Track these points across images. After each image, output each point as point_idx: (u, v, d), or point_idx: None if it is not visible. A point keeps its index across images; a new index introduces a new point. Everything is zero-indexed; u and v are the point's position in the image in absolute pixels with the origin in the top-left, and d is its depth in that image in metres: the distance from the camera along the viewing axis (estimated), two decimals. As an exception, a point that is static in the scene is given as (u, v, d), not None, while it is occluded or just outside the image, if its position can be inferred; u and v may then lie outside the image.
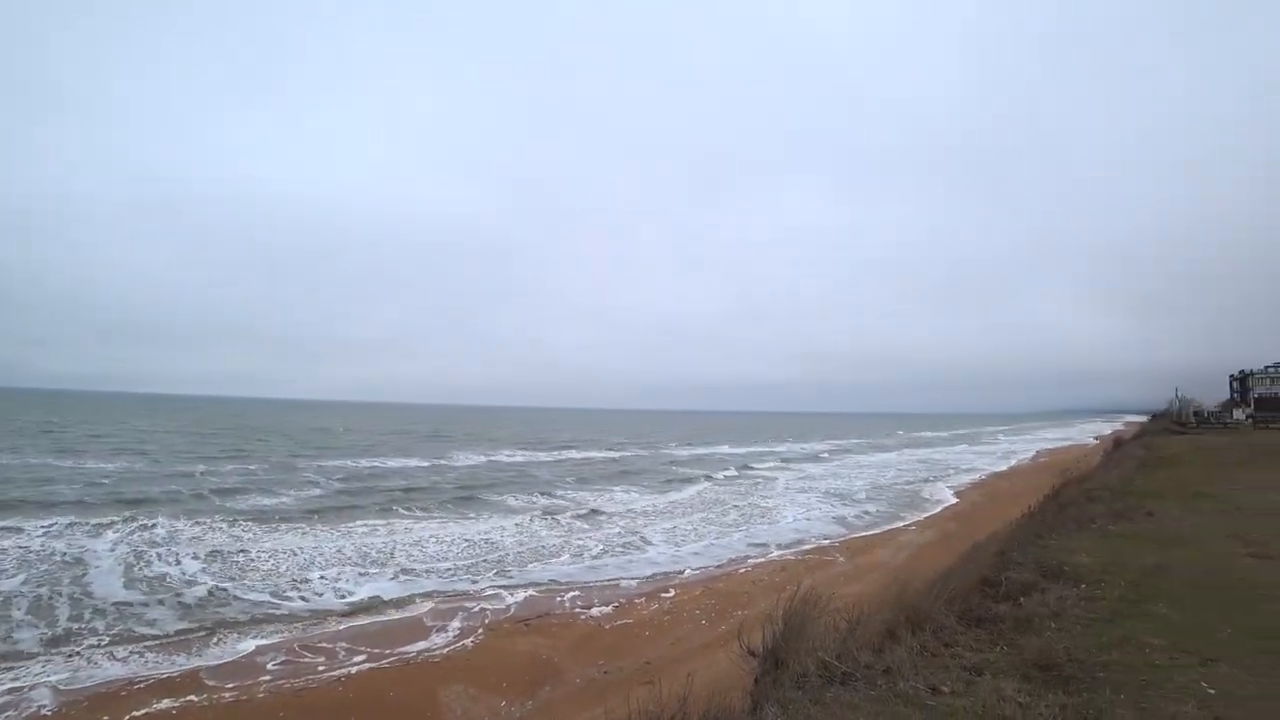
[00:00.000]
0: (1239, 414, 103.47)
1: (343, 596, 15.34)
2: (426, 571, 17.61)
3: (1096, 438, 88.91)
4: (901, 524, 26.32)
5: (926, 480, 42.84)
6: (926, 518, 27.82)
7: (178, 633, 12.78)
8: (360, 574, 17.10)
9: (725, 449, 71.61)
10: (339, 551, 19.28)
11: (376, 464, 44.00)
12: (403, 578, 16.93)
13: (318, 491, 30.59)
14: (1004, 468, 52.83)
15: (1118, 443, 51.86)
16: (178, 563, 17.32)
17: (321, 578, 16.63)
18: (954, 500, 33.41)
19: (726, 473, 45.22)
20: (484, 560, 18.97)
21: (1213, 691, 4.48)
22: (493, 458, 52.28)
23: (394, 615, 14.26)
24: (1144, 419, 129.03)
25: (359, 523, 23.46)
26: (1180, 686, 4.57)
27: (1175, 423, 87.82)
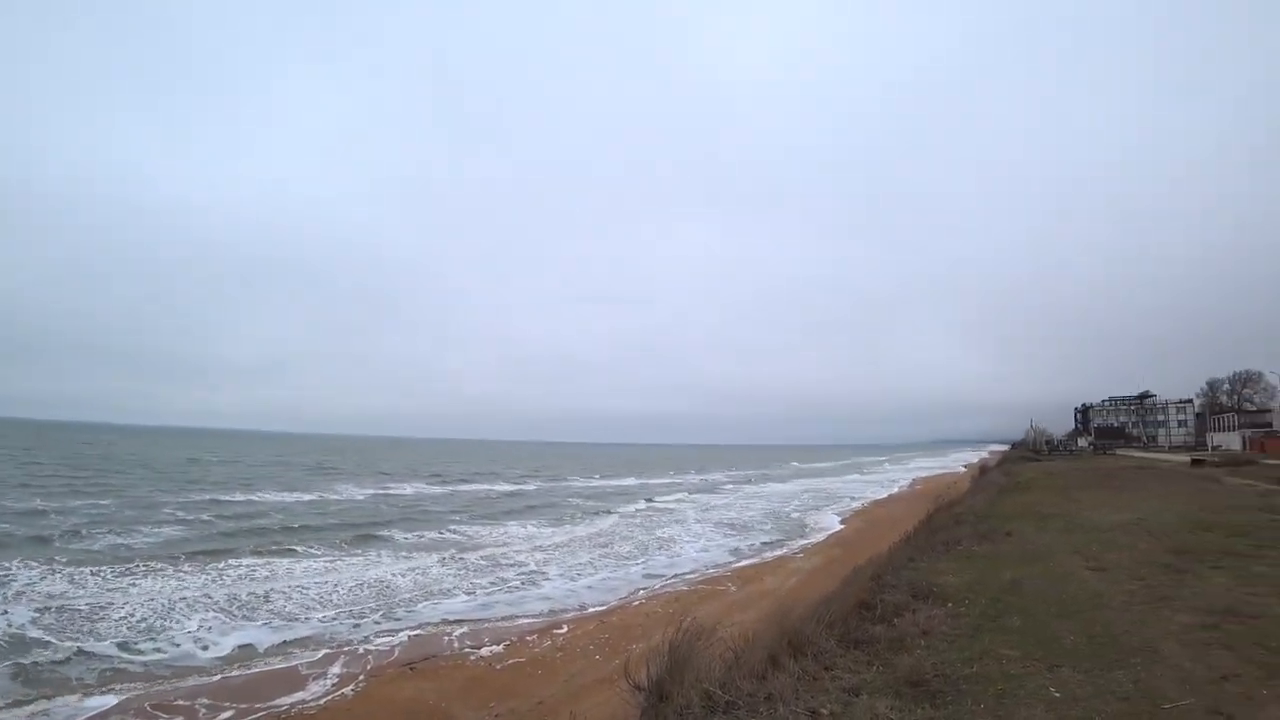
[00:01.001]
0: (1082, 442, 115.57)
1: (206, 647, 13.81)
2: (305, 616, 16.25)
3: (965, 466, 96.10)
4: (791, 551, 27.16)
5: (815, 509, 44.64)
6: (814, 545, 28.88)
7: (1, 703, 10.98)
8: (229, 621, 15.53)
9: (625, 481, 71.65)
10: (206, 596, 17.45)
11: (253, 498, 40.53)
12: (277, 623, 15.53)
13: (183, 530, 27.67)
14: (885, 495, 55.88)
15: (983, 470, 56.38)
16: (3, 614, 15.04)
17: (183, 626, 14.96)
18: (840, 527, 34.94)
19: (626, 505, 45.12)
20: (369, 601, 17.78)
21: (1058, 695, 4.86)
22: (384, 491, 49.54)
23: (266, 665, 13.01)
24: (1006, 448, 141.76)
25: (230, 564, 21.37)
26: (1031, 692, 4.93)
27: (1031, 451, 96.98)
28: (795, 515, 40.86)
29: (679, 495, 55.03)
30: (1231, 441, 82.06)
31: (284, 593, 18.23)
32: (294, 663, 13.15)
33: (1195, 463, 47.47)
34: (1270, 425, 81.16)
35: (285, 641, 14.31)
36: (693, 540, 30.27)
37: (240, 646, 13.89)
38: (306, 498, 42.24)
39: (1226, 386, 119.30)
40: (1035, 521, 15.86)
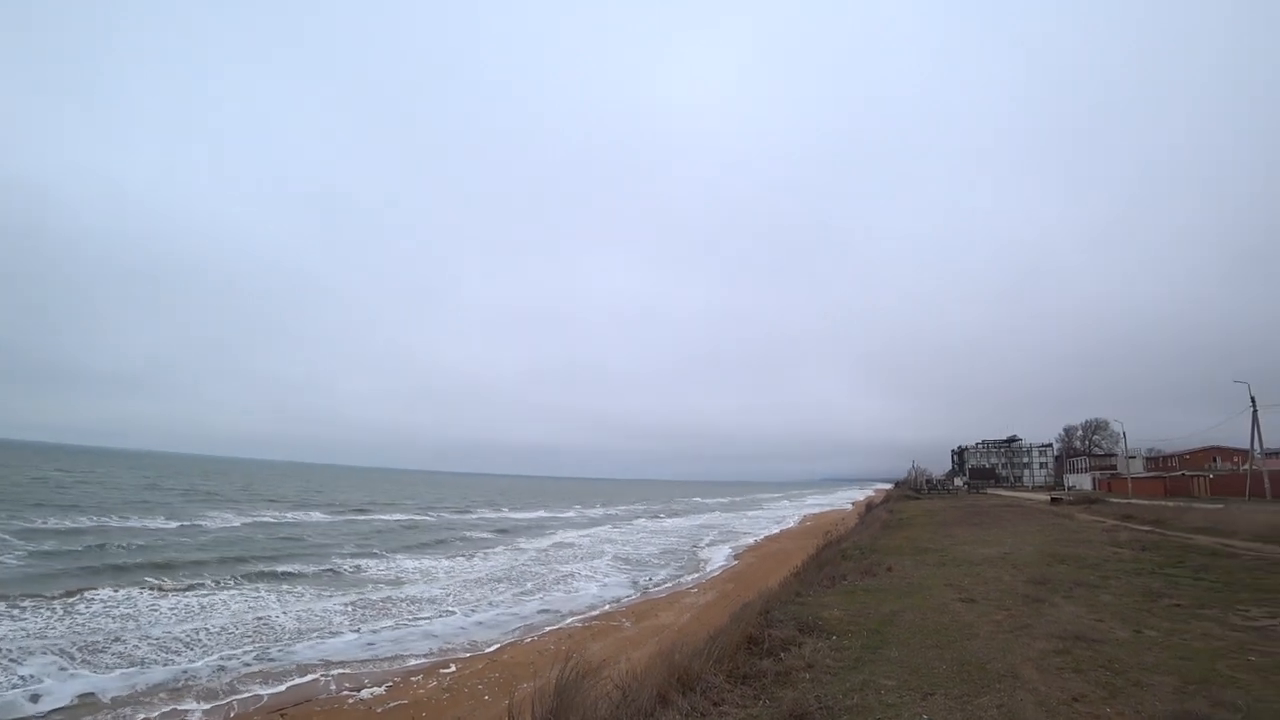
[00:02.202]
0: (958, 481, 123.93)
1: (38, 698, 11.90)
2: (164, 659, 14.46)
3: (853, 503, 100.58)
4: (686, 587, 27.23)
5: (713, 544, 45.17)
6: (708, 579, 29.11)
7: None
8: (69, 667, 13.53)
9: (528, 514, 69.86)
10: (42, 639, 15.23)
11: (110, 523, 36.38)
12: (129, 669, 13.70)
13: (21, 560, 24.21)
14: (778, 531, 57.38)
15: (869, 507, 59.13)
16: None
17: (12, 673, 12.93)
18: (734, 562, 35.46)
19: (526, 539, 43.94)
20: (241, 642, 16.12)
21: (929, 722, 5.08)
22: (263, 519, 45.70)
23: (114, 714, 11.45)
24: (890, 486, 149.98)
25: (77, 600, 18.87)
26: (906, 720, 5.12)
27: (912, 489, 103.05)
28: (693, 550, 41.17)
29: (581, 530, 54.21)
30: (1083, 482, 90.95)
31: (141, 633, 16.24)
32: (150, 714, 11.65)
33: (1054, 501, 52.01)
34: (1114, 468, 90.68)
35: (136, 690, 12.64)
36: (591, 575, 29.74)
37: (81, 696, 12.12)
38: (173, 525, 38.28)
39: (1080, 432, 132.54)
40: (914, 556, 16.76)
